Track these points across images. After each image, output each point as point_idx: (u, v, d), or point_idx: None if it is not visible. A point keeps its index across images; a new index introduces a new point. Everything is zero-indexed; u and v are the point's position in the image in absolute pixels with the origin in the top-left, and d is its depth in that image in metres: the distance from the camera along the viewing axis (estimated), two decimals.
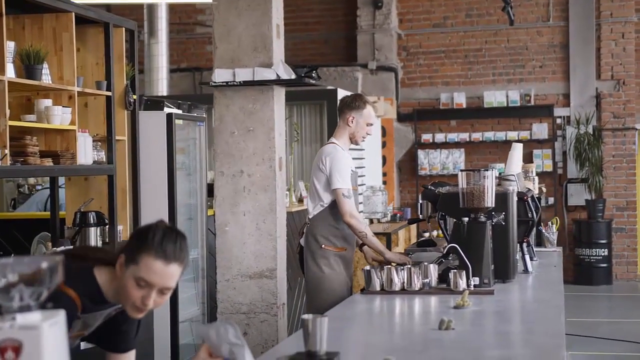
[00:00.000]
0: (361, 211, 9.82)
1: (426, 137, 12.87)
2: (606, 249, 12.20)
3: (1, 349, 1.71)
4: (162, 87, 10.64)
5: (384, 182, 12.23)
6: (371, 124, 5.29)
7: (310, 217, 5.25)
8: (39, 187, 8.73)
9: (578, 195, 12.51)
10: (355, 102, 5.26)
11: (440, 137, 12.82)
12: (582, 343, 8.44)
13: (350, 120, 5.22)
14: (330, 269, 5.14)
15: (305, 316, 2.73)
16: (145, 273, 2.54)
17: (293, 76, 5.74)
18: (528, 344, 3.11)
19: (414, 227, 11.11)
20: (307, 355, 2.73)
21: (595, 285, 12.07)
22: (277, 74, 5.68)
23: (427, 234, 12.38)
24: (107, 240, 5.55)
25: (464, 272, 4.21)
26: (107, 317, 2.77)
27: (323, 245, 5.15)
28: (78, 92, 5.22)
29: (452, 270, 4.22)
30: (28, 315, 1.75)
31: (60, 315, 1.80)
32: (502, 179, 5.10)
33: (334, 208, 5.14)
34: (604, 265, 12.21)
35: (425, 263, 4.37)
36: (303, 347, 2.72)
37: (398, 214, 11.00)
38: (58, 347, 1.77)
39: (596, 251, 12.17)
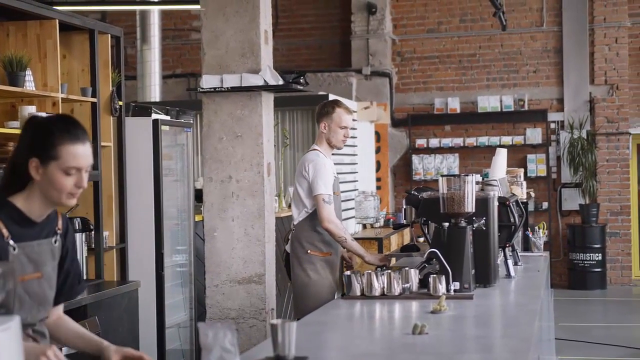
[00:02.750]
0: (352, 216, 9.86)
1: (420, 142, 12.89)
2: (600, 254, 12.20)
3: None
4: (154, 93, 10.67)
5: (379, 187, 12.25)
6: (345, 127, 5.37)
7: (295, 223, 5.34)
8: None
9: (572, 200, 12.52)
10: (324, 108, 5.41)
11: (434, 142, 12.84)
12: (574, 348, 8.45)
13: (324, 127, 5.37)
14: (317, 274, 5.20)
15: (274, 321, 2.75)
16: (71, 161, 2.65)
17: (280, 82, 5.76)
18: (497, 348, 3.13)
19: (407, 232, 11.12)
20: (276, 359, 2.75)
21: (589, 289, 12.08)
22: (265, 80, 5.70)
23: (422, 239, 12.39)
24: (92, 246, 5.56)
25: (444, 277, 4.22)
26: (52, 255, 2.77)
27: (309, 251, 5.25)
28: (63, 98, 5.24)
29: (432, 275, 4.23)
30: None
31: (15, 321, 1.82)
32: (484, 184, 5.11)
33: None
34: (598, 269, 12.22)
35: (406, 268, 4.38)
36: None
37: (391, 219, 11.02)
38: (12, 351, 1.79)
39: (590, 256, 12.18)
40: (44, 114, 2.78)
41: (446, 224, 4.41)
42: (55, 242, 2.79)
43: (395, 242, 9.95)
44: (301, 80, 6.02)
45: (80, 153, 2.68)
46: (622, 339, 8.85)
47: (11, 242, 2.64)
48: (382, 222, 10.56)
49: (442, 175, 4.48)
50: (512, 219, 5.02)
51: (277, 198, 7.96)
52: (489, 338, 3.38)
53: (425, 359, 2.95)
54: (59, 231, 2.82)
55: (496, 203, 4.70)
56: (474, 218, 4.48)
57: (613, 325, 9.87)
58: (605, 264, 12.30)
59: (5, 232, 2.63)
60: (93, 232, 5.55)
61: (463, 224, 4.42)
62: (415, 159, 12.88)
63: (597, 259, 12.18)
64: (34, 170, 2.67)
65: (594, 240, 12.20)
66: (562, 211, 12.65)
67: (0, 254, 2.60)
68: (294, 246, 5.32)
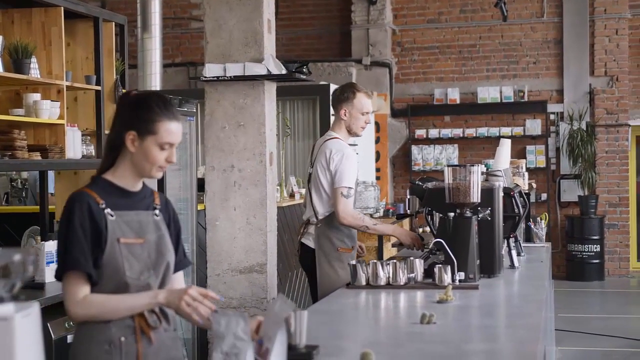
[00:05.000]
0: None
1: (420, 132, 12.90)
2: (598, 245, 12.23)
3: None
4: (155, 82, 10.59)
5: (378, 178, 12.25)
6: (366, 112, 5.15)
7: (319, 217, 5.11)
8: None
9: (571, 191, 12.54)
10: (344, 93, 5.16)
11: (434, 132, 12.85)
12: (572, 338, 8.48)
13: (344, 114, 5.14)
14: (345, 271, 5.05)
15: None
16: (167, 137, 2.82)
17: (284, 71, 5.75)
18: (506, 337, 3.13)
19: (407, 222, 11.14)
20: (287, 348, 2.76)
21: (587, 281, 12.11)
22: (268, 69, 5.69)
23: (420, 229, 12.40)
24: None
25: (449, 267, 4.23)
26: (154, 227, 2.91)
27: (339, 248, 5.06)
28: (67, 86, 5.23)
29: (437, 265, 4.24)
30: (0, 307, 1.76)
31: (35, 307, 1.82)
32: (489, 174, 5.12)
33: None
34: (596, 261, 12.25)
35: (411, 258, 4.39)
36: None
37: (391, 209, 11.02)
38: (31, 338, 1.79)
39: (588, 247, 12.21)
40: (136, 91, 2.96)
41: (452, 214, 4.41)
42: (156, 215, 2.93)
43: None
44: (304, 70, 6.02)
45: (176, 130, 2.84)
46: (620, 330, 8.88)
47: (108, 209, 2.80)
48: (381, 213, 10.57)
49: (448, 166, 4.47)
50: (516, 210, 5.02)
51: (278, 188, 7.96)
52: (497, 328, 3.39)
53: (434, 349, 2.96)
54: (157, 206, 2.96)
55: (501, 193, 4.70)
56: (479, 208, 4.48)
57: (611, 317, 9.89)
58: (604, 256, 12.33)
59: (100, 200, 2.80)
60: None
61: (468, 214, 4.42)
62: (414, 149, 12.88)
63: (595, 250, 12.21)
64: (130, 142, 2.82)
65: (593, 232, 12.22)
66: (561, 202, 12.67)
67: (98, 220, 2.78)
68: (321, 242, 5.09)
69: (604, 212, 12.49)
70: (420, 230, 12.63)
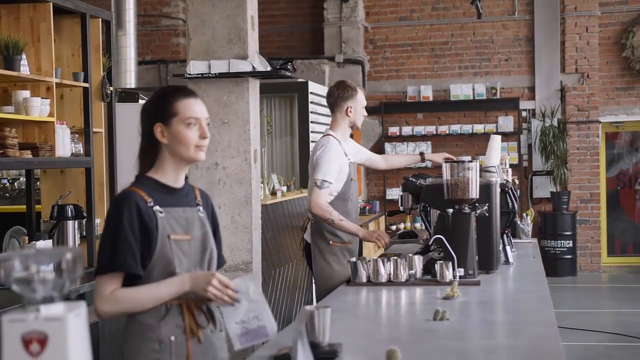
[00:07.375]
0: None
1: (393, 130, 12.91)
2: (571, 241, 12.34)
3: (26, 341, 1.69)
4: (130, 79, 10.53)
5: None
6: (364, 105, 5.35)
7: (313, 212, 5.11)
8: (4, 181, 8.62)
9: (543, 188, 12.64)
10: (348, 91, 5.25)
11: (407, 130, 12.87)
12: None
13: (349, 111, 5.23)
14: (340, 265, 5.09)
15: (309, 307, 2.72)
16: (189, 112, 2.82)
17: (268, 68, 5.72)
18: (525, 333, 3.11)
19: (382, 219, 11.16)
20: (310, 345, 2.73)
21: (560, 276, 12.20)
22: (253, 66, 5.66)
23: (394, 227, 12.43)
24: (84, 233, 5.48)
25: (450, 263, 4.22)
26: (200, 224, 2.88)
27: (331, 242, 5.12)
28: (57, 83, 5.15)
29: (439, 262, 4.23)
30: (52, 307, 1.73)
31: (83, 307, 1.78)
32: (483, 170, 5.12)
33: (337, 202, 5.08)
34: (569, 256, 12.36)
35: (410, 254, 4.38)
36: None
37: (367, 207, 11.05)
38: (82, 338, 1.76)
39: (561, 243, 12.31)
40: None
41: (450, 210, 4.41)
42: (200, 212, 2.91)
43: (373, 229, 9.96)
44: (288, 67, 6.00)
45: (194, 104, 2.84)
46: (596, 324, 8.97)
47: (156, 207, 2.80)
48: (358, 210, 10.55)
49: (446, 162, 4.47)
50: (510, 205, 5.04)
51: (261, 185, 7.92)
52: (511, 324, 3.38)
53: (456, 345, 2.94)
54: (200, 202, 2.93)
55: (498, 189, 4.71)
56: (476, 204, 4.48)
57: (586, 312, 9.99)
58: (576, 251, 12.45)
59: (148, 198, 2.79)
60: (85, 220, 5.46)
61: (467, 210, 4.42)
62: (388, 146, 12.90)
63: (568, 246, 12.32)
64: (160, 134, 2.82)
65: (565, 228, 12.33)
66: (533, 199, 12.77)
67: (148, 219, 2.76)
68: (314, 237, 5.15)
69: (576, 208, 12.61)
70: (394, 227, 12.68)
